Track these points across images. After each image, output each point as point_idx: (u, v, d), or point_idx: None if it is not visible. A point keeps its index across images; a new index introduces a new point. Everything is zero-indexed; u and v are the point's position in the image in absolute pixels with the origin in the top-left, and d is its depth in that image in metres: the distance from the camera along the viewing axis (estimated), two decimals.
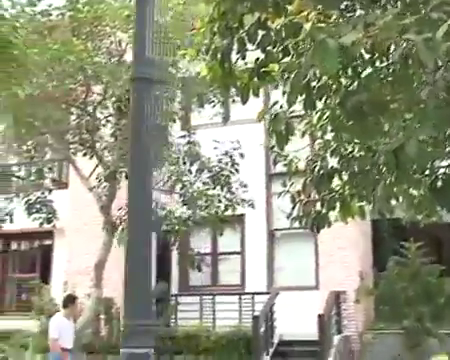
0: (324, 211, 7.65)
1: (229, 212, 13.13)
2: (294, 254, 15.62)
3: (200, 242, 16.40)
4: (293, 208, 7.91)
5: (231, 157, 12.34)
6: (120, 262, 14.49)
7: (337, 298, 14.28)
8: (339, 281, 14.54)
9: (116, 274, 14.35)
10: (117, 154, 11.80)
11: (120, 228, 12.03)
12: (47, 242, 19.31)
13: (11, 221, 13.07)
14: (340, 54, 4.65)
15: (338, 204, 7.50)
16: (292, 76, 5.48)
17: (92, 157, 12.55)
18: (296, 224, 7.89)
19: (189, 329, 14.53)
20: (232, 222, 14.52)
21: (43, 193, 12.81)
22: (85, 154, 12.71)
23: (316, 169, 7.20)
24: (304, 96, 6.14)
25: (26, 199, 12.50)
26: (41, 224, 12.47)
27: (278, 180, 12.17)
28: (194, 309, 15.20)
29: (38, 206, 12.48)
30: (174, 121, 12.60)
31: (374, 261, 16.23)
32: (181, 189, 12.14)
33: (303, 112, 7.45)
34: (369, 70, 6.07)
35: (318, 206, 7.68)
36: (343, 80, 6.29)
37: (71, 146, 12.93)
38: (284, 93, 5.86)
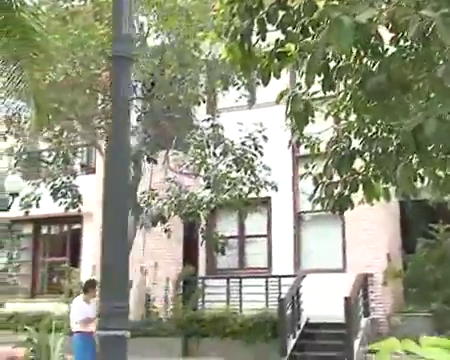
0: (346, 193, 7.57)
1: (254, 195, 13.10)
2: (321, 236, 15.53)
3: (227, 225, 16.43)
4: (315, 190, 7.85)
5: (254, 140, 12.27)
6: (146, 244, 14.71)
7: (364, 280, 14.16)
8: (367, 263, 14.43)
9: (137, 256, 14.48)
10: (140, 138, 11.83)
11: (144, 211, 12.09)
12: (76, 226, 19.59)
13: (37, 206, 13.23)
14: (356, 32, 4.56)
15: (361, 186, 7.43)
16: (309, 56, 5.41)
17: None
18: (318, 206, 7.84)
19: (216, 312, 14.60)
20: (258, 205, 14.49)
21: (68, 178, 12.94)
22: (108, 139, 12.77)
23: (337, 150, 7.12)
24: (322, 77, 6.07)
25: (51, 184, 12.62)
26: (66, 209, 12.62)
27: (304, 162, 12.06)
28: (221, 292, 15.25)
29: (63, 191, 12.60)
30: (198, 104, 12.58)
31: (402, 243, 16.06)
32: (205, 172, 12.14)
33: (326, 94, 7.38)
34: (390, 49, 5.95)
35: (340, 188, 7.61)
36: (363, 60, 6.19)
37: (97, 131, 13.02)
38: (302, 74, 5.80)
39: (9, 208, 18.03)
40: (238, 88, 12.48)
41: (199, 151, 12.64)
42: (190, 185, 12.36)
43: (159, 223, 11.60)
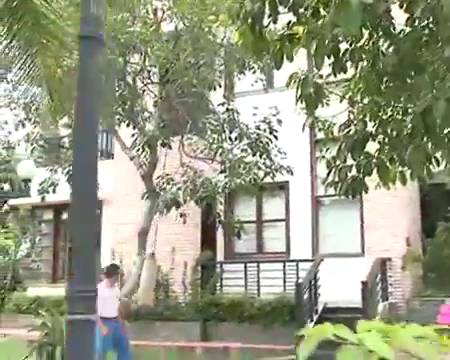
0: (360, 176, 7.50)
1: (270, 180, 13.05)
2: (339, 220, 15.44)
3: (245, 210, 16.42)
4: (328, 174, 7.78)
5: (269, 123, 12.19)
6: (163, 230, 14.78)
7: (383, 265, 14.08)
8: (385, 247, 14.32)
9: (160, 241, 14.55)
10: (156, 123, 11.83)
11: (161, 196, 12.11)
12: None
13: (54, 192, 13.31)
14: (364, 14, 4.49)
15: (375, 169, 7.34)
16: (318, 38, 5.35)
17: (134, 127, 12.64)
18: (332, 190, 7.77)
19: (234, 296, 14.64)
20: (274, 190, 14.43)
21: None
22: (128, 125, 12.83)
23: (350, 133, 7.05)
24: (333, 59, 5.99)
25: (67, 170, 12.69)
26: None
27: (322, 146, 11.96)
28: (239, 277, 15.28)
29: None
30: (214, 88, 12.53)
31: (422, 227, 15.92)
32: (219, 156, 12.10)
33: (341, 77, 7.27)
34: (403, 30, 5.85)
35: (354, 171, 7.54)
36: (375, 42, 6.09)
37: (114, 116, 13.04)
38: (313, 56, 5.73)
39: (29, 194, 18.28)
40: (254, 72, 12.40)
41: (216, 136, 12.60)
42: (204, 170, 12.34)
43: (174, 208, 11.61)
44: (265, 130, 12.16)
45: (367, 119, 6.80)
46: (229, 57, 12.05)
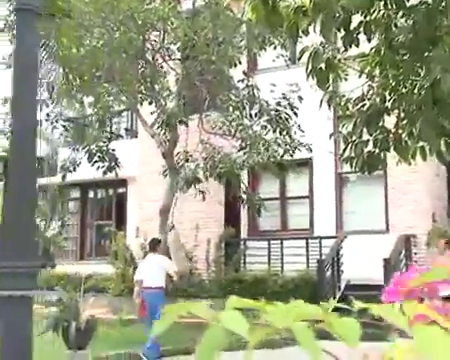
0: (377, 151, 7.40)
1: (294, 157, 12.97)
2: (363, 197, 15.30)
3: (269, 187, 16.38)
4: (345, 149, 7.70)
5: (289, 99, 12.07)
6: (187, 207, 14.85)
7: (407, 241, 13.94)
8: (410, 224, 14.17)
9: (184, 219, 14.65)
10: (176, 100, 11.82)
11: (180, 173, 12.14)
12: (121, 190, 19.92)
13: (74, 170, 13.44)
14: None
15: (392, 144, 7.24)
16: (325, 11, 5.27)
17: (155, 105, 12.66)
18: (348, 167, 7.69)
19: (257, 273, 14.67)
20: (295, 168, 14.34)
21: (105, 142, 13.08)
22: (150, 103, 12.86)
23: (364, 108, 6.96)
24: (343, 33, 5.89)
25: (87, 149, 12.79)
26: (104, 173, 12.80)
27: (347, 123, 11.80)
28: (262, 254, 15.30)
29: (100, 155, 12.75)
30: (235, 65, 12.45)
31: (449, 203, 15.68)
32: (239, 133, 12.06)
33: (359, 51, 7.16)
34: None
35: (371, 147, 7.44)
36: (388, 14, 5.97)
37: (136, 95, 13.07)
38: (320, 29, 5.66)
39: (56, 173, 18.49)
40: (274, 48, 12.28)
41: (238, 113, 12.55)
42: (223, 146, 12.31)
43: (194, 185, 11.63)
44: (285, 107, 12.05)
45: (386, 93, 6.68)
46: (249, 33, 11.94)
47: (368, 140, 7.33)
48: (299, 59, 5.98)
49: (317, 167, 15.80)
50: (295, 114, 12.08)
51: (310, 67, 5.90)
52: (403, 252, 13.62)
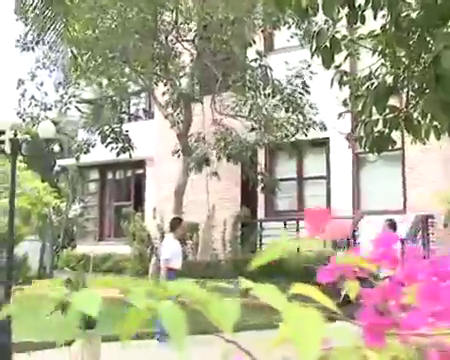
0: (386, 131, 7.32)
1: (309, 136, 12.88)
2: (380, 177, 15.16)
3: (285, 167, 16.30)
4: (354, 129, 7.63)
5: (302, 77, 11.92)
6: (203, 188, 14.86)
7: (425, 222, 13.79)
8: (428, 205, 14.00)
9: (200, 199, 14.67)
10: (189, 80, 11.78)
11: (191, 154, 12.12)
12: (139, 171, 20.00)
13: (87, 152, 13.47)
14: None
15: (403, 123, 7.15)
16: None
17: (170, 85, 12.64)
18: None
19: None
20: (315, 146, 14.23)
21: (118, 124, 13.09)
22: (166, 84, 12.84)
23: (373, 87, 6.87)
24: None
25: (100, 130, 12.81)
26: (117, 154, 12.83)
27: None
28: (279, 234, 15.26)
29: (113, 136, 12.77)
30: (250, 45, 12.37)
31: None
32: (251, 113, 11.98)
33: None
34: None
35: (380, 126, 7.36)
36: None
37: (148, 76, 13.05)
38: (322, 5, 5.59)
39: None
40: (289, 27, 12.14)
41: (253, 93, 12.48)
42: (234, 127, 12.25)
43: (207, 166, 11.61)
44: (297, 85, 11.93)
45: (392, 72, 6.58)
46: (262, 12, 11.82)
47: (378, 119, 7.25)
48: (304, 38, 5.91)
49: (334, 147, 15.66)
50: (307, 92, 11.95)
51: (315, 46, 5.82)
52: (420, 232, 13.50)
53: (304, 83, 11.94)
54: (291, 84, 12.05)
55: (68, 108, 13.65)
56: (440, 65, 4.12)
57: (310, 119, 12.10)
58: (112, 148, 12.94)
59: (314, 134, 13.48)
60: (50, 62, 13.27)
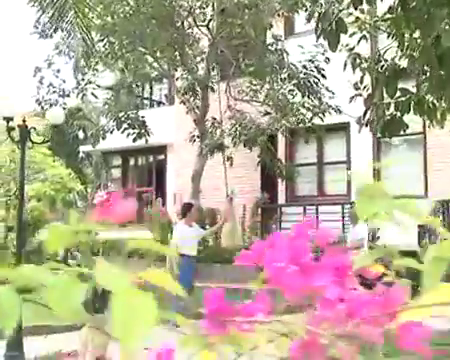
0: (398, 115, 7.22)
1: (329, 121, 12.74)
2: (401, 162, 14.94)
3: (305, 152, 16.18)
4: (365, 112, 7.55)
5: (314, 62, 11.77)
6: (220, 173, 14.84)
7: (446, 207, 13.58)
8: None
9: (219, 184, 14.67)
10: (205, 66, 11.73)
11: (205, 140, 12.08)
12: (160, 157, 20.07)
13: (104, 138, 13.51)
14: None
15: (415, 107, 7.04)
16: None
17: (187, 71, 12.61)
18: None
19: None
20: (336, 130, 14.07)
21: (134, 110, 13.09)
22: (184, 70, 12.82)
23: (382, 69, 6.77)
24: None
25: (115, 116, 12.83)
26: (134, 140, 12.86)
27: None
28: (298, 220, 15.18)
29: (129, 122, 12.79)
30: (269, 28, 12.25)
31: None
32: (267, 98, 11.89)
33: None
34: None
35: (392, 109, 7.26)
36: None
37: (167, 61, 13.04)
38: None
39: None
40: (306, 10, 11.97)
41: (269, 78, 12.38)
42: (249, 112, 12.16)
43: (222, 151, 11.57)
44: (312, 70, 11.79)
45: (400, 53, 6.48)
46: None
47: (389, 103, 7.15)
48: (309, 20, 5.84)
49: (354, 132, 15.47)
50: (323, 77, 11.81)
51: (320, 27, 5.75)
52: (440, 217, 13.29)
53: (317, 67, 11.78)
54: (306, 68, 11.91)
55: (84, 94, 13.70)
56: (440, 45, 4.03)
57: (326, 103, 11.96)
58: (128, 134, 12.97)
59: (335, 119, 13.34)
60: (68, 49, 13.33)
